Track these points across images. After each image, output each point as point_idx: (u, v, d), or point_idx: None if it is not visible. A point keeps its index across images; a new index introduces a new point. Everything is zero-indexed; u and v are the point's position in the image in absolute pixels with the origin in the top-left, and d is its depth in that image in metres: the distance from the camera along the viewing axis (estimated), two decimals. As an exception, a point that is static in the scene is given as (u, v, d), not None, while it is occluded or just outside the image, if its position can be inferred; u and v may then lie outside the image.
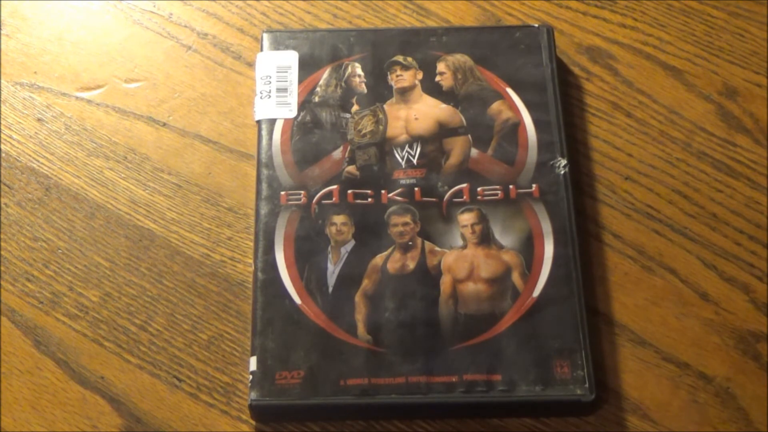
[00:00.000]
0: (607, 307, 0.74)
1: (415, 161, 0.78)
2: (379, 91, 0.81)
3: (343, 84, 0.81)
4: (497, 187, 0.77)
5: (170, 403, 0.71)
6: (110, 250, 0.77)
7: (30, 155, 0.80)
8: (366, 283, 0.73)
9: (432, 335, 0.71)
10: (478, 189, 0.77)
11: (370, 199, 0.76)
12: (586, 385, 0.69)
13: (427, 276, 0.73)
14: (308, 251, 0.74)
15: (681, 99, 0.83)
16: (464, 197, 0.76)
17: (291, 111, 0.80)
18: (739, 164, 0.80)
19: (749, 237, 0.77)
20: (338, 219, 0.75)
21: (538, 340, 0.71)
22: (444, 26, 0.86)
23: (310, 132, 0.79)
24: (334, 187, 0.77)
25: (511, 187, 0.77)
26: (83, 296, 0.75)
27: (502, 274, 0.74)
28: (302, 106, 0.80)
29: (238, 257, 0.76)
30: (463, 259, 0.74)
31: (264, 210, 0.76)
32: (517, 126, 0.79)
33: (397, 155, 0.78)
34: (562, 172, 0.77)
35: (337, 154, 0.78)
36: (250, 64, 0.84)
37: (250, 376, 0.70)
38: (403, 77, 0.81)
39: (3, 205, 0.78)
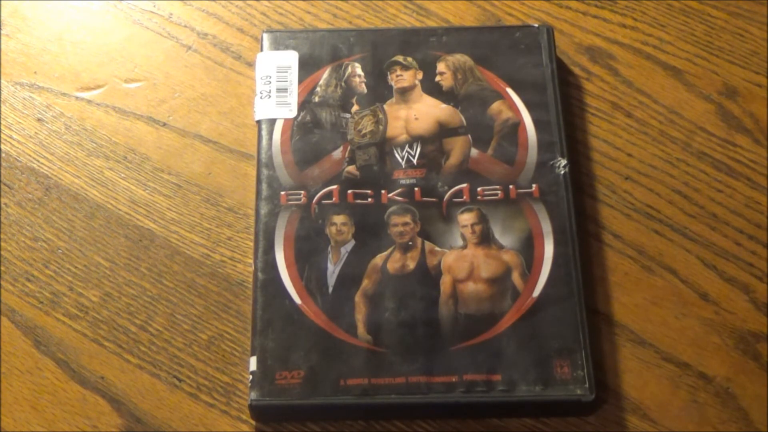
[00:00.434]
0: (607, 307, 0.74)
1: (415, 161, 0.78)
2: (379, 91, 0.81)
3: (343, 84, 0.81)
4: (497, 187, 0.77)
5: (170, 403, 0.71)
6: (110, 250, 0.77)
7: (30, 155, 0.80)
8: (366, 283, 0.73)
9: (432, 335, 0.71)
10: (478, 189, 0.77)
11: (370, 199, 0.76)
12: (586, 385, 0.69)
13: (427, 276, 0.73)
14: (308, 251, 0.74)
15: (681, 99, 0.83)
16: (464, 197, 0.76)
17: (291, 111, 0.80)
18: (739, 164, 0.80)
19: (749, 237, 0.77)
20: (338, 219, 0.75)
21: (538, 340, 0.71)
22: (444, 26, 0.86)
23: (310, 132, 0.79)
24: (334, 187, 0.77)
25: (511, 187, 0.77)
26: (83, 296, 0.75)
27: (502, 274, 0.74)
28: (302, 106, 0.80)
29: (238, 257, 0.76)
30: (463, 259, 0.74)
31: (264, 210, 0.76)
32: (517, 126, 0.79)
33: (397, 155, 0.78)
34: (562, 172, 0.77)
35: (337, 154, 0.78)
36: (250, 64, 0.84)
37: (250, 376, 0.70)
38: (403, 77, 0.81)
39: (3, 205, 0.78)
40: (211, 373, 0.72)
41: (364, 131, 0.79)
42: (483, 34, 0.84)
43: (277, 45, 0.83)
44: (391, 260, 0.74)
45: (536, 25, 0.84)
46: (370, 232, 0.75)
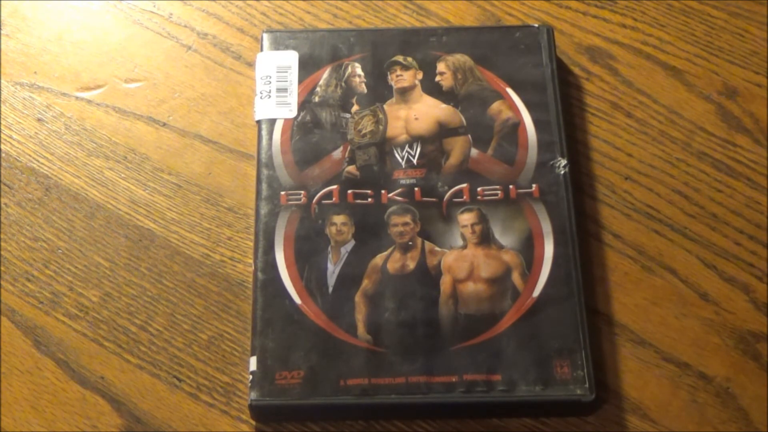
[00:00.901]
0: (607, 307, 0.74)
1: (415, 161, 0.78)
2: (379, 91, 0.81)
3: (343, 84, 0.81)
4: (497, 187, 0.77)
5: (170, 403, 0.71)
6: (110, 250, 0.77)
7: (30, 155, 0.80)
8: (366, 283, 0.73)
9: (432, 335, 0.71)
10: (478, 189, 0.77)
11: (370, 199, 0.76)
12: (586, 385, 0.69)
13: (427, 276, 0.73)
14: (308, 251, 0.74)
15: (681, 99, 0.83)
16: (464, 197, 0.76)
17: (291, 111, 0.80)
18: (739, 164, 0.80)
19: (749, 237, 0.77)
20: (338, 219, 0.75)
21: (538, 340, 0.71)
22: (444, 26, 0.86)
23: (310, 132, 0.79)
24: (334, 187, 0.77)
25: (511, 187, 0.77)
26: (83, 296, 0.75)
27: (502, 274, 0.74)
28: (302, 106, 0.80)
29: (238, 257, 0.76)
30: (463, 259, 0.74)
31: (264, 210, 0.76)
32: (517, 126, 0.79)
33: (397, 155, 0.78)
34: (562, 172, 0.77)
35: (337, 154, 0.78)
36: (250, 64, 0.84)
37: (250, 376, 0.70)
38: (403, 77, 0.81)
39: (3, 205, 0.78)
40: (211, 373, 0.72)
41: (364, 131, 0.79)
42: (483, 34, 0.84)
43: (277, 45, 0.83)
44: (391, 260, 0.74)
45: (536, 25, 0.84)
46: (370, 232, 0.75)
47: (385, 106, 0.80)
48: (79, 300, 0.74)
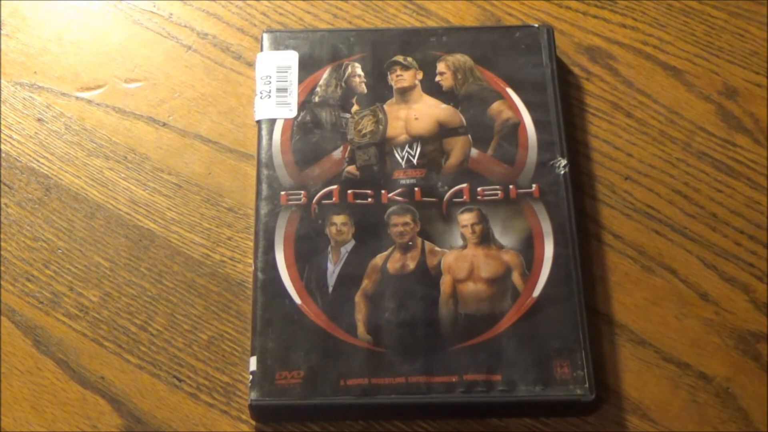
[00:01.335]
0: (607, 307, 0.74)
1: (415, 161, 0.78)
2: (379, 91, 0.81)
3: (343, 84, 0.81)
4: (497, 187, 0.77)
5: (170, 403, 0.71)
6: (110, 250, 0.77)
7: (30, 155, 0.80)
8: (366, 283, 0.73)
9: (432, 335, 0.71)
10: (478, 189, 0.77)
11: (370, 199, 0.76)
12: (586, 385, 0.69)
13: (427, 276, 0.73)
14: (308, 251, 0.74)
15: (681, 99, 0.83)
16: (464, 197, 0.76)
17: (291, 111, 0.80)
18: (739, 164, 0.80)
19: (749, 237, 0.77)
20: (338, 219, 0.75)
21: (538, 340, 0.71)
22: (444, 26, 0.86)
23: (310, 132, 0.79)
24: (334, 187, 0.77)
25: (511, 187, 0.77)
26: (83, 296, 0.75)
27: (502, 274, 0.74)
28: (302, 106, 0.80)
29: (238, 257, 0.76)
30: (463, 259, 0.74)
31: (264, 210, 0.76)
32: (517, 126, 0.79)
33: (397, 155, 0.78)
34: (562, 172, 0.77)
35: (337, 154, 0.78)
36: (250, 64, 0.84)
37: (250, 376, 0.70)
38: (403, 77, 0.81)
39: (3, 205, 0.78)
40: (211, 373, 0.72)
41: (364, 131, 0.79)
42: (483, 34, 0.84)
43: (277, 45, 0.83)
44: (391, 260, 0.74)
45: (536, 25, 0.84)
46: (370, 232, 0.75)
47: (385, 106, 0.80)
48: (79, 300, 0.74)
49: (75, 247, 0.77)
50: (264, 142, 0.79)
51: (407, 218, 0.76)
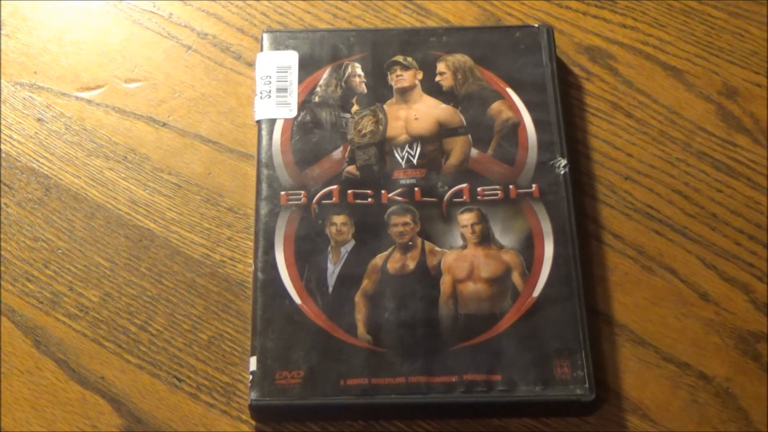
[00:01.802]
0: (607, 307, 0.74)
1: (415, 161, 0.78)
2: (379, 91, 0.81)
3: (343, 84, 0.81)
4: (497, 187, 0.77)
5: (170, 403, 0.71)
6: (110, 250, 0.77)
7: (30, 155, 0.80)
8: (366, 283, 0.73)
9: (432, 335, 0.71)
10: (478, 189, 0.77)
11: (370, 199, 0.76)
12: (586, 385, 0.69)
13: (427, 276, 0.73)
14: (308, 251, 0.74)
15: (681, 99, 0.83)
16: (464, 197, 0.76)
17: (291, 111, 0.80)
18: (739, 164, 0.80)
19: (749, 237, 0.77)
20: (338, 219, 0.75)
21: (538, 340, 0.71)
22: (444, 26, 0.86)
23: (310, 132, 0.79)
24: (334, 187, 0.77)
25: (511, 187, 0.77)
26: (83, 296, 0.75)
27: (502, 274, 0.74)
28: (302, 106, 0.80)
29: (238, 257, 0.76)
30: (463, 259, 0.74)
31: (264, 210, 0.76)
32: (517, 126, 0.79)
33: (397, 155, 0.78)
34: (562, 172, 0.77)
35: (337, 154, 0.78)
36: (250, 64, 0.84)
37: (250, 376, 0.70)
38: (403, 77, 0.81)
39: (3, 205, 0.78)
40: (211, 373, 0.72)
41: (364, 131, 0.79)
42: (483, 34, 0.84)
43: (277, 45, 0.83)
44: (391, 260, 0.74)
45: (536, 25, 0.84)
46: (370, 232, 0.75)
47: (385, 106, 0.80)
48: (79, 300, 0.74)
49: (75, 247, 0.77)
50: (264, 142, 0.79)
51: (407, 218, 0.76)
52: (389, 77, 0.82)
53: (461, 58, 0.82)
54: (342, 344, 0.71)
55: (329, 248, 0.74)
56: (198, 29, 0.86)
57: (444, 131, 0.79)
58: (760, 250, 0.77)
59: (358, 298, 0.73)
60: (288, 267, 0.74)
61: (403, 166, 0.78)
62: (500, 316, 0.72)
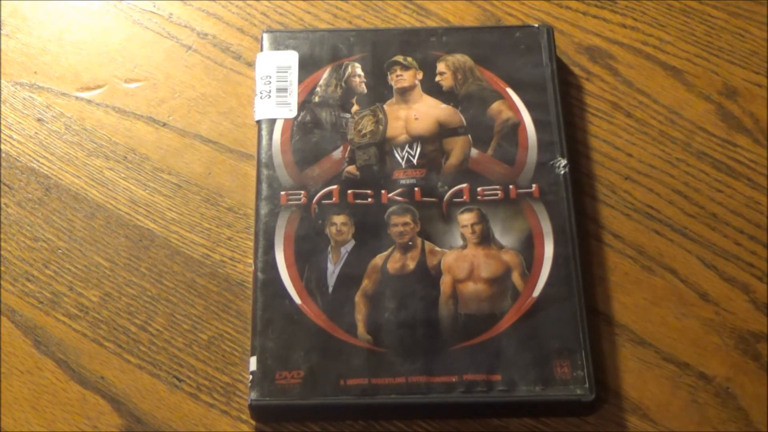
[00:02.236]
0: (607, 307, 0.74)
1: (415, 161, 0.78)
2: (379, 91, 0.81)
3: (343, 84, 0.81)
4: (497, 187, 0.77)
5: (170, 403, 0.71)
6: (110, 250, 0.77)
7: (30, 155, 0.80)
8: (366, 283, 0.73)
9: (432, 335, 0.71)
10: (478, 189, 0.77)
11: (370, 199, 0.76)
12: (586, 385, 0.69)
13: (427, 276, 0.73)
14: (308, 251, 0.74)
15: (681, 99, 0.83)
16: (464, 197, 0.76)
17: (291, 111, 0.80)
18: (739, 164, 0.80)
19: (749, 237, 0.77)
20: (338, 219, 0.75)
21: (538, 340, 0.71)
22: (444, 26, 0.86)
23: (310, 132, 0.79)
24: (334, 187, 0.77)
25: (511, 187, 0.77)
26: (83, 296, 0.75)
27: (502, 274, 0.74)
28: (302, 106, 0.80)
29: (238, 257, 0.76)
30: (463, 259, 0.74)
31: (264, 210, 0.76)
32: (517, 126, 0.79)
33: (397, 155, 0.78)
34: (562, 172, 0.77)
35: (337, 154, 0.78)
36: (250, 64, 0.84)
37: (250, 376, 0.70)
38: (403, 77, 0.81)
39: (3, 205, 0.78)
40: (211, 373, 0.72)
41: (364, 131, 0.79)
42: (483, 34, 0.84)
43: (277, 45, 0.83)
44: (391, 260, 0.74)
45: (536, 25, 0.84)
46: (370, 232, 0.75)
47: (385, 106, 0.80)
48: (79, 300, 0.74)
49: (75, 247, 0.77)
50: (264, 142, 0.79)
51: (407, 218, 0.76)
52: (389, 77, 0.82)
53: (461, 58, 0.82)
54: (342, 344, 0.71)
55: (329, 248, 0.74)
56: (198, 29, 0.86)
57: (444, 131, 0.79)
58: (760, 250, 0.77)
59: (358, 298, 0.73)
60: (288, 267, 0.74)
61: (403, 166, 0.78)
62: (500, 316, 0.72)
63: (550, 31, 0.83)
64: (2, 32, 0.86)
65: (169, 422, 0.70)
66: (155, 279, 0.75)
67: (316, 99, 0.81)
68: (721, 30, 0.86)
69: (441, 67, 0.82)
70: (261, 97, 0.81)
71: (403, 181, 0.77)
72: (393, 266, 0.74)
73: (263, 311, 0.72)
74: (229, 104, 0.83)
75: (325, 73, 0.82)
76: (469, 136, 0.79)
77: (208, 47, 0.86)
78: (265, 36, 0.83)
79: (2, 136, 0.81)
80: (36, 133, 0.81)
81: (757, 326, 0.74)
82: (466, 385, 0.69)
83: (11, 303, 0.74)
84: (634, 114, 0.83)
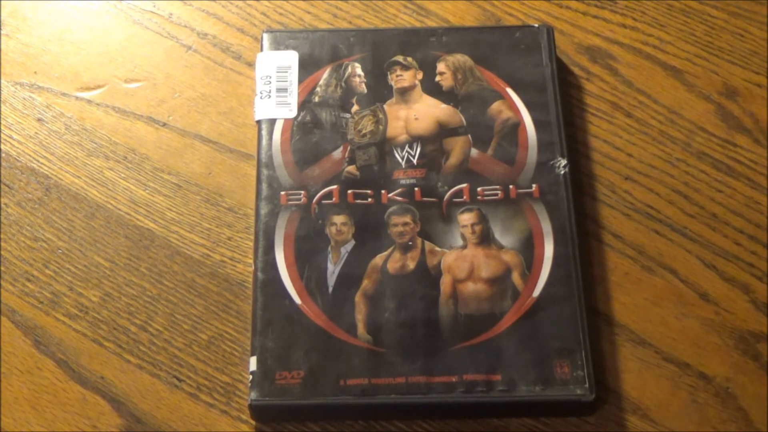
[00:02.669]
0: (607, 307, 0.74)
1: (415, 161, 0.78)
2: (379, 91, 0.81)
3: (343, 84, 0.81)
4: (497, 187, 0.77)
5: (170, 403, 0.71)
6: (110, 250, 0.77)
7: (30, 155, 0.80)
8: (366, 283, 0.73)
9: (432, 335, 0.71)
10: (478, 189, 0.77)
11: (370, 199, 0.76)
12: (586, 385, 0.69)
13: (427, 276, 0.73)
14: (308, 251, 0.74)
15: (681, 99, 0.83)
16: (464, 197, 0.76)
17: (291, 111, 0.80)
18: (739, 164, 0.80)
19: (749, 237, 0.77)
20: (338, 219, 0.75)
21: (538, 340, 0.71)
22: (444, 26, 0.86)
23: (310, 132, 0.79)
24: (334, 187, 0.77)
25: (511, 187, 0.77)
26: (83, 296, 0.75)
27: (502, 274, 0.74)
28: (302, 106, 0.80)
29: (238, 257, 0.76)
30: (463, 259, 0.74)
31: (264, 210, 0.76)
32: (517, 126, 0.79)
33: (397, 155, 0.78)
34: (562, 172, 0.77)
35: (337, 154, 0.78)
36: (250, 64, 0.84)
37: (250, 376, 0.70)
38: (403, 77, 0.81)
39: (3, 205, 0.78)
40: (211, 373, 0.72)
41: (364, 131, 0.79)
42: (483, 34, 0.84)
43: (277, 45, 0.83)
44: (391, 260, 0.74)
45: (536, 25, 0.84)
46: (370, 232, 0.75)
47: (385, 106, 0.80)
48: (79, 300, 0.75)
49: (75, 247, 0.77)
50: (264, 142, 0.79)
51: (407, 218, 0.76)
52: (389, 77, 0.82)
53: (461, 58, 0.82)
54: (342, 344, 0.71)
55: (329, 248, 0.74)
56: (198, 29, 0.86)
57: (444, 131, 0.79)
58: (760, 250, 0.77)
59: (358, 298, 0.73)
60: (288, 267, 0.74)
61: (403, 166, 0.78)
62: (500, 316, 0.72)
63: (550, 31, 0.83)
64: (2, 32, 0.86)
65: (169, 422, 0.70)
66: (155, 279, 0.75)
67: (316, 99, 0.81)
68: (721, 30, 0.86)
69: (441, 67, 0.82)
70: (261, 97, 0.81)
71: (403, 181, 0.77)
72: (393, 266, 0.74)
73: (263, 311, 0.72)
74: (229, 104, 0.83)
75: (325, 73, 0.82)
76: (469, 136, 0.79)
77: (208, 47, 0.86)
78: (265, 36, 0.83)
79: (2, 136, 0.81)
80: (36, 133, 0.81)
81: (757, 326, 0.74)
82: (466, 385, 0.69)
83: (11, 303, 0.74)
84: (634, 114, 0.83)
